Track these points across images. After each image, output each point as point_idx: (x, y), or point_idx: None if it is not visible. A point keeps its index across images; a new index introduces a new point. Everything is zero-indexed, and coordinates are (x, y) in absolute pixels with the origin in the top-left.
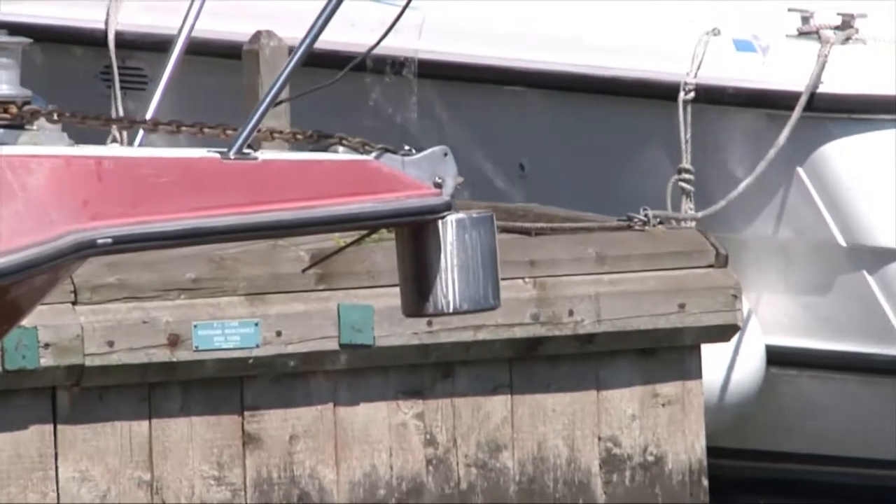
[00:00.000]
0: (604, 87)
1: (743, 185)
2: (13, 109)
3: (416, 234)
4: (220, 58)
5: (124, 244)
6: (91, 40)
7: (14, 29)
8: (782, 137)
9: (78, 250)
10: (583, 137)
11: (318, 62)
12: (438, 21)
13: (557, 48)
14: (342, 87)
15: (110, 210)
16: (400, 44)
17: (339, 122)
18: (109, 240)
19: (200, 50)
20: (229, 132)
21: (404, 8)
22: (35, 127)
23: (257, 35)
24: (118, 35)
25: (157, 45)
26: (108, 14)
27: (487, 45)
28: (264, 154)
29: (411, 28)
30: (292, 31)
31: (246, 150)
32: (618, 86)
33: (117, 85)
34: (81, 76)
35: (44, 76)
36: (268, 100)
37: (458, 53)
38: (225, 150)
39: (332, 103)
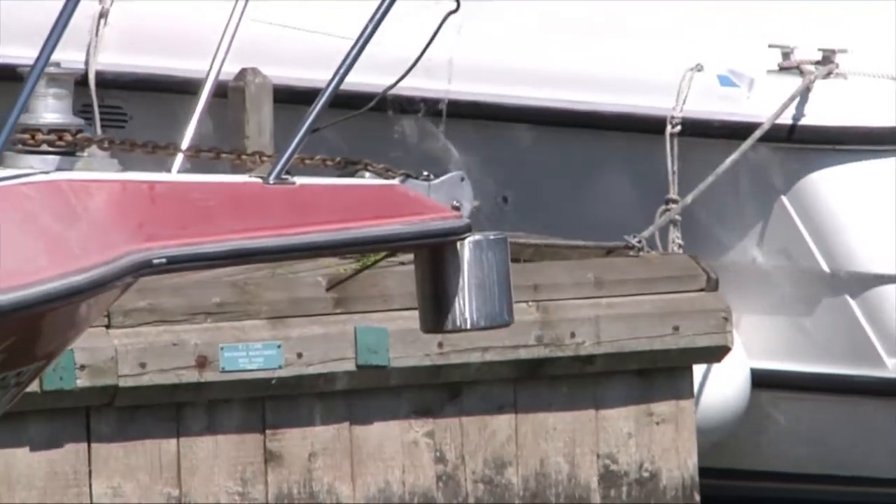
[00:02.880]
0: (589, 122)
1: (710, 178)
2: (68, 137)
3: (435, 254)
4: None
5: (177, 264)
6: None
7: None
8: (744, 148)
9: (136, 270)
10: (567, 171)
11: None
12: (428, 59)
13: (543, 84)
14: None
15: (163, 232)
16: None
17: (333, 152)
18: (164, 260)
19: (183, 88)
20: (264, 159)
21: (424, 49)
22: (86, 153)
23: (243, 72)
24: (98, 74)
25: (136, 84)
26: (87, 54)
27: (471, 81)
28: (301, 179)
29: (400, 66)
30: (277, 69)
31: (284, 176)
32: (603, 120)
33: (98, 122)
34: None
35: None
36: (304, 127)
37: (443, 90)
38: (265, 175)
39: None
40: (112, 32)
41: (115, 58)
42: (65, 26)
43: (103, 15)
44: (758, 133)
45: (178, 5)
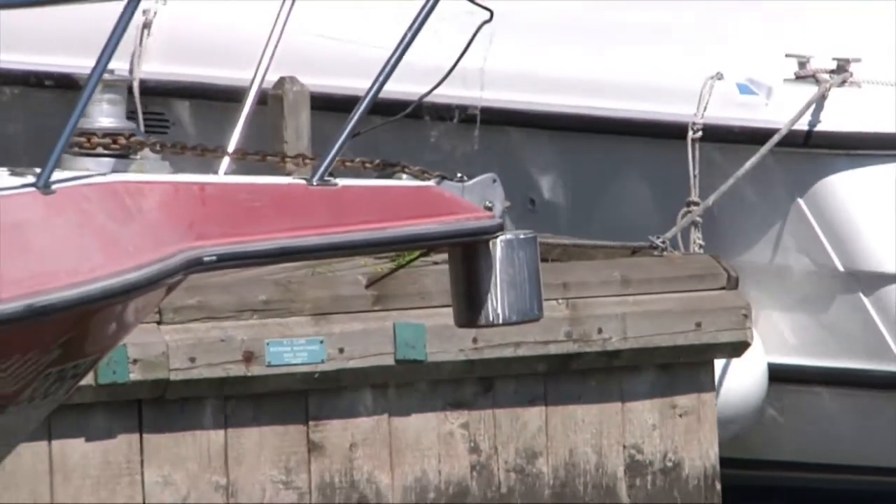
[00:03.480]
0: (614, 128)
1: (731, 180)
2: (122, 140)
3: (468, 252)
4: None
5: (226, 261)
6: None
7: (48, 78)
8: (762, 152)
9: (188, 267)
10: (592, 175)
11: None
12: (462, 68)
13: (570, 91)
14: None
15: (213, 231)
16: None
17: (372, 155)
18: (214, 258)
19: (223, 96)
20: (307, 161)
21: (459, 58)
22: (139, 156)
23: (281, 81)
24: (142, 82)
25: (177, 92)
26: (132, 63)
27: (502, 88)
28: (343, 181)
29: (433, 75)
30: (314, 78)
31: (327, 178)
32: (628, 126)
33: (141, 127)
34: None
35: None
36: (346, 131)
37: (476, 97)
38: (309, 177)
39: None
40: (155, 42)
41: (157, 66)
42: (121, 36)
43: (147, 25)
44: (776, 138)
45: (218, 16)
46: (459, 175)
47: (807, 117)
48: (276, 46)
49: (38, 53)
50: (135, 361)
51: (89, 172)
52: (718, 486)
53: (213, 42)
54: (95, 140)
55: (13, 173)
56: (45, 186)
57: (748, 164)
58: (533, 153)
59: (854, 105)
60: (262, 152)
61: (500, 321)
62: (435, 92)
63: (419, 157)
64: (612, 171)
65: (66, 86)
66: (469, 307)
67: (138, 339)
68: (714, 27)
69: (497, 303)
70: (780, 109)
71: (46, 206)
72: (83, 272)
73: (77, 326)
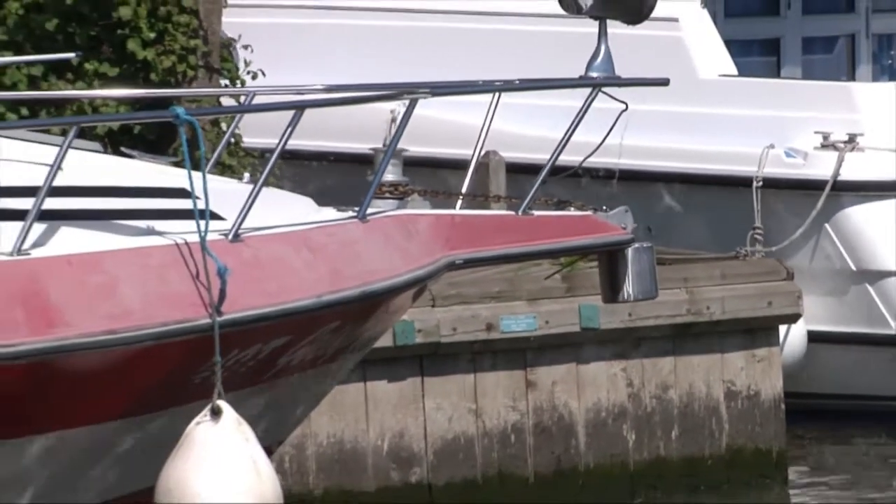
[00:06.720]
0: (707, 181)
1: (798, 232)
2: (401, 188)
3: (611, 255)
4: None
5: (470, 264)
6: (359, 159)
7: (347, 154)
8: (819, 203)
9: (446, 267)
10: (691, 211)
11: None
12: (607, 144)
13: (679, 158)
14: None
15: (461, 244)
16: (579, 157)
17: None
18: (462, 261)
19: (441, 165)
20: (514, 200)
21: (606, 136)
22: (410, 199)
23: (488, 153)
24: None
25: (412, 162)
26: (384, 142)
27: (631, 157)
28: (538, 212)
29: (589, 147)
30: (508, 152)
31: (528, 211)
32: (716, 179)
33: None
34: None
35: (339, 186)
36: (538, 183)
37: (615, 162)
38: (516, 210)
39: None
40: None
41: (401, 146)
42: (404, 127)
43: (394, 119)
44: (827, 189)
45: (438, 113)
46: (605, 208)
47: (832, 171)
48: (487, 132)
49: (343, 140)
50: (419, 331)
51: (383, 209)
52: (783, 407)
53: (432, 130)
54: (384, 188)
55: (339, 209)
56: (363, 218)
57: (814, 213)
58: (652, 196)
59: (861, 164)
60: (484, 195)
61: (632, 299)
62: (590, 159)
63: (580, 198)
64: (704, 208)
65: (357, 160)
66: (612, 291)
67: (420, 316)
68: (768, 114)
69: (629, 287)
70: (813, 167)
71: (365, 230)
72: (391, 271)
73: (384, 305)
